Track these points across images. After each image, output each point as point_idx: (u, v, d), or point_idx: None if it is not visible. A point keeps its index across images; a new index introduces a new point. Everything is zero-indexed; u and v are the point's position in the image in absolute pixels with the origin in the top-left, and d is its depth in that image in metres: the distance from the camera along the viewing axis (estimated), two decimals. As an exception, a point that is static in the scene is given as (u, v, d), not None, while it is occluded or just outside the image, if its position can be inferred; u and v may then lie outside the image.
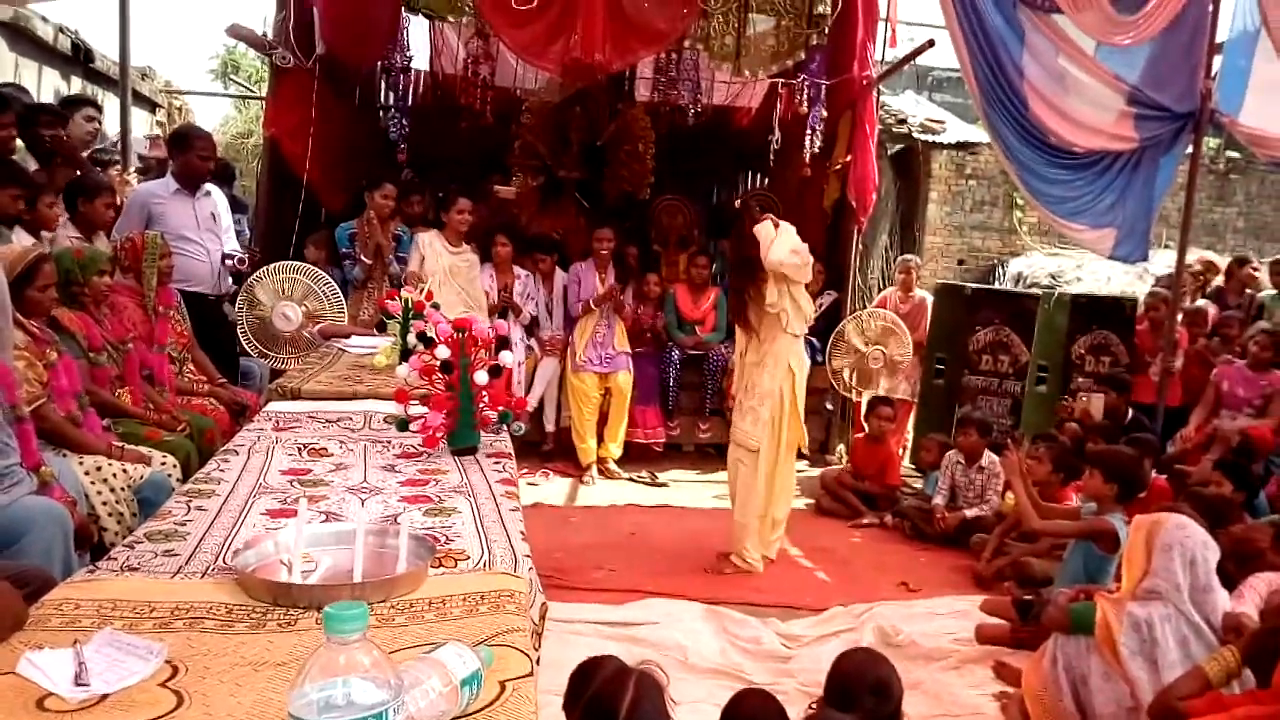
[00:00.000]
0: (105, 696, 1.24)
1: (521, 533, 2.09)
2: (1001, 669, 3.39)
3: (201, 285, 4.83)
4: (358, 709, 0.93)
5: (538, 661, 1.75)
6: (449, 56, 7.43)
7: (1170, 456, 5.07)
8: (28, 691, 1.25)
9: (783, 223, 4.36)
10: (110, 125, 6.61)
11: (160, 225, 4.67)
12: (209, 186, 5.01)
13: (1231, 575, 3.01)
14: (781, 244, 4.23)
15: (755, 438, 4.34)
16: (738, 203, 4.66)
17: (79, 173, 4.67)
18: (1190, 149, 5.71)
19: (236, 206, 6.38)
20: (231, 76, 16.25)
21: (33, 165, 4.60)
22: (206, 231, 4.88)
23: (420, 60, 7.51)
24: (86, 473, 3.09)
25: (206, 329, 4.72)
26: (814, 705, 2.02)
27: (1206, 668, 2.44)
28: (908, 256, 7.44)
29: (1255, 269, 6.84)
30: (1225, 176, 10.85)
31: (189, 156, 4.81)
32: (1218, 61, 5.58)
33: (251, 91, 13.81)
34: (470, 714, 1.24)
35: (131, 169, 6.31)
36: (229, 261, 4.99)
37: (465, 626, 1.53)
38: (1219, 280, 7.07)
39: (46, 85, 7.34)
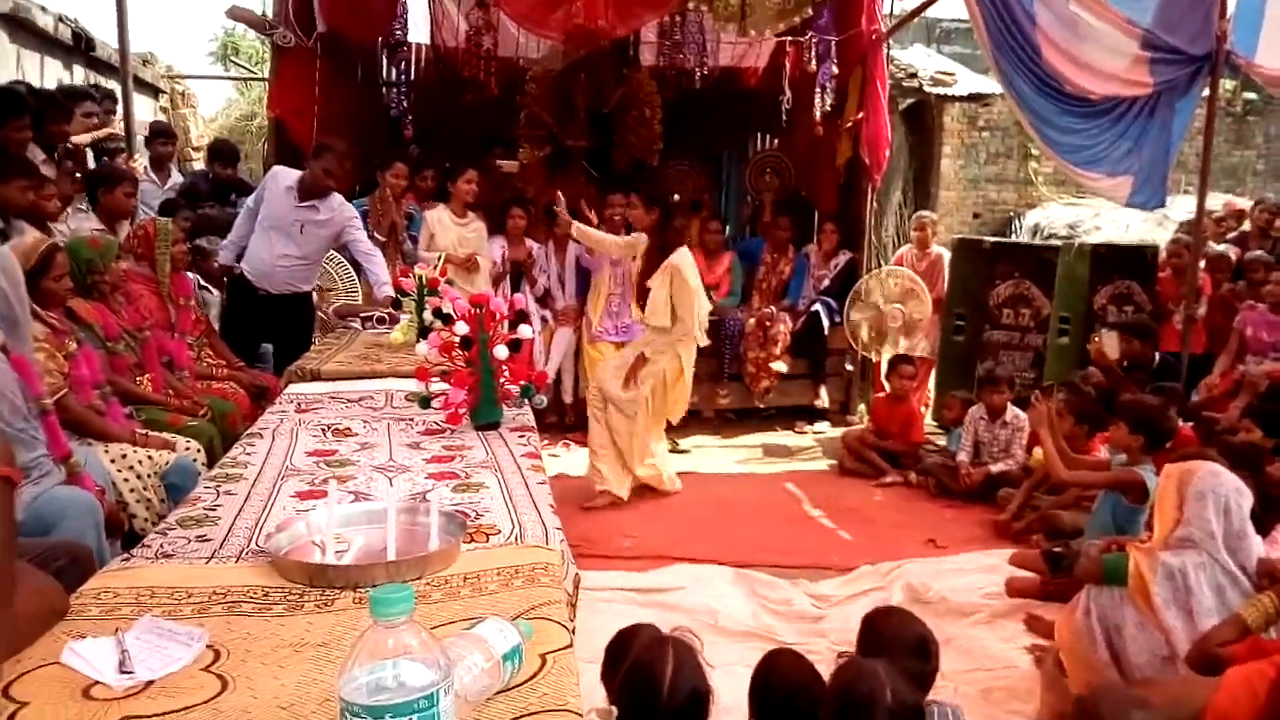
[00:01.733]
0: (150, 683, 1.25)
1: (551, 505, 2.09)
2: (1033, 622, 3.38)
3: (253, 276, 4.70)
4: (409, 690, 0.92)
5: (573, 632, 1.76)
6: (450, 29, 7.35)
7: (1197, 404, 5.01)
8: (73, 681, 1.25)
9: (686, 261, 4.63)
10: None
11: (263, 206, 4.67)
12: (326, 207, 4.65)
13: (1264, 521, 2.99)
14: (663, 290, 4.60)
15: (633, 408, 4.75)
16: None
17: (81, 169, 4.65)
18: (1207, 92, 5.60)
19: (243, 189, 6.36)
20: (232, 59, 16.18)
21: (39, 156, 4.59)
22: (283, 237, 4.63)
23: (421, 34, 7.43)
24: (112, 461, 3.11)
25: (265, 319, 4.77)
26: (842, 655, 2.02)
27: (1245, 613, 2.42)
28: (923, 213, 7.36)
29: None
30: (1243, 119, 10.66)
31: (312, 163, 4.65)
32: (1232, 2, 5.46)
33: (253, 73, 13.74)
34: (513, 687, 1.24)
35: (139, 156, 6.31)
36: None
37: (501, 601, 1.53)
38: (1246, 225, 6.95)
39: (49, 76, 7.32)
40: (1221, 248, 6.27)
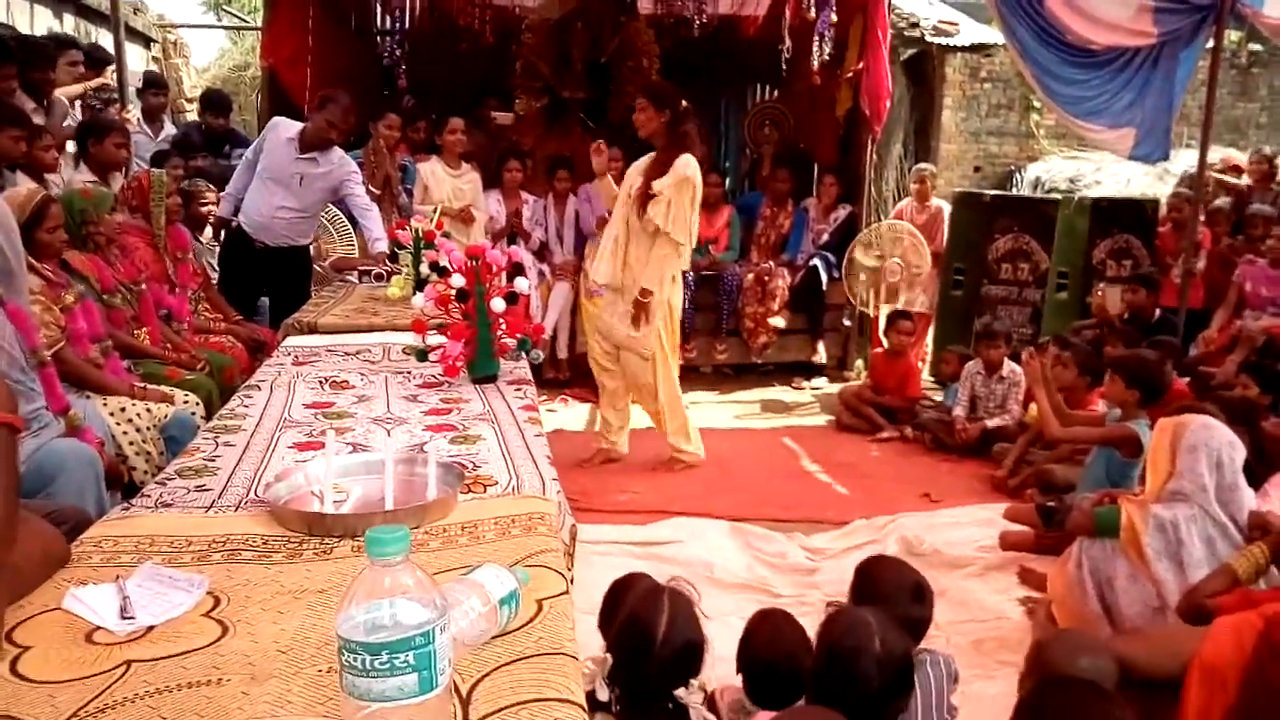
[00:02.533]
0: (151, 628, 1.26)
1: (548, 457, 2.10)
2: (1026, 574, 3.42)
3: (249, 227, 4.68)
4: (405, 628, 0.93)
5: (570, 581, 1.78)
6: (446, -23, 7.24)
7: (1193, 359, 5.03)
8: (76, 626, 1.27)
9: (697, 173, 4.27)
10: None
11: (263, 157, 4.63)
12: (326, 158, 4.64)
13: (1257, 474, 3.01)
14: (678, 198, 4.21)
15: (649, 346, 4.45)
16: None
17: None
18: (1211, 43, 5.53)
19: (236, 140, 6.30)
20: (225, 7, 15.94)
21: (28, 105, 4.54)
22: (282, 189, 4.61)
23: (416, -18, 7.32)
24: (111, 414, 3.11)
25: (262, 270, 4.72)
26: (831, 604, 2.04)
27: (1235, 564, 2.45)
28: (923, 166, 7.31)
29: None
30: (1248, 71, 10.54)
31: (315, 114, 4.64)
32: (1240, -52, 5.38)
33: (246, 22, 13.55)
34: (510, 632, 1.25)
35: (131, 107, 6.23)
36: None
37: (499, 549, 1.55)
38: (1245, 180, 6.91)
39: (39, 24, 7.21)
40: (1222, 201, 6.24)
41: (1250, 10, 5.47)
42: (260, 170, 4.64)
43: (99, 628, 1.26)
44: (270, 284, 4.82)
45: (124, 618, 1.27)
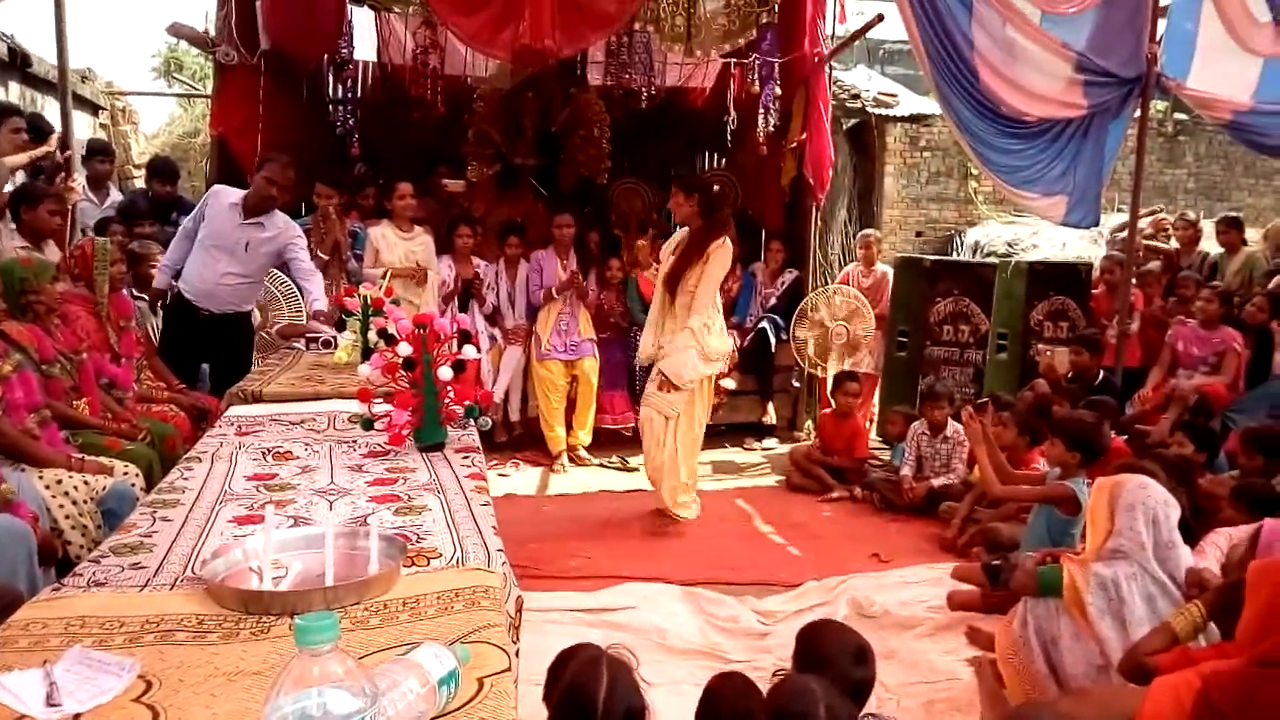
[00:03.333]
0: (79, 716, 1.23)
1: (494, 527, 2.08)
2: (974, 634, 3.44)
3: (192, 295, 4.66)
4: (334, 719, 0.92)
5: (517, 653, 1.76)
6: (397, 47, 7.33)
7: (1130, 418, 5.15)
8: (0, 715, 1.23)
9: (728, 246, 4.54)
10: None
11: (204, 224, 4.63)
12: (272, 224, 4.67)
13: (1193, 531, 3.08)
14: (715, 272, 4.50)
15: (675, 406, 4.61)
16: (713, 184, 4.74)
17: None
18: (1138, 113, 5.78)
19: (183, 207, 6.26)
20: (175, 75, 15.93)
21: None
22: (227, 255, 4.62)
23: (367, 52, 7.41)
24: (47, 486, 3.04)
25: (203, 339, 4.69)
26: (778, 673, 2.04)
27: (1174, 623, 2.49)
28: (868, 231, 7.48)
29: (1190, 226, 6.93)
30: (1174, 138, 11.02)
31: (255, 175, 4.71)
32: (1163, 24, 5.65)
33: (196, 89, 13.54)
34: (449, 713, 1.24)
35: (77, 175, 6.18)
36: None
37: (441, 625, 1.53)
38: (1173, 243, 7.16)
39: (-16, 91, 7.16)
40: (1151, 265, 6.47)
41: (1174, 83, 5.74)
42: (202, 238, 4.62)
43: (24, 716, 1.22)
44: (212, 351, 4.76)
45: (50, 705, 1.23)
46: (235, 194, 4.64)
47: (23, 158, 4.80)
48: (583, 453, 6.11)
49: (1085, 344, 5.40)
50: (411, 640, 1.39)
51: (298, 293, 5.40)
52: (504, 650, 1.45)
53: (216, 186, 4.82)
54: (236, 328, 4.82)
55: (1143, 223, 6.67)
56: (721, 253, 4.48)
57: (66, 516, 3.03)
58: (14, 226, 4.34)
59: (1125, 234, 5.96)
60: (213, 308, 4.67)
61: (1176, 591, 2.73)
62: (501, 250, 6.25)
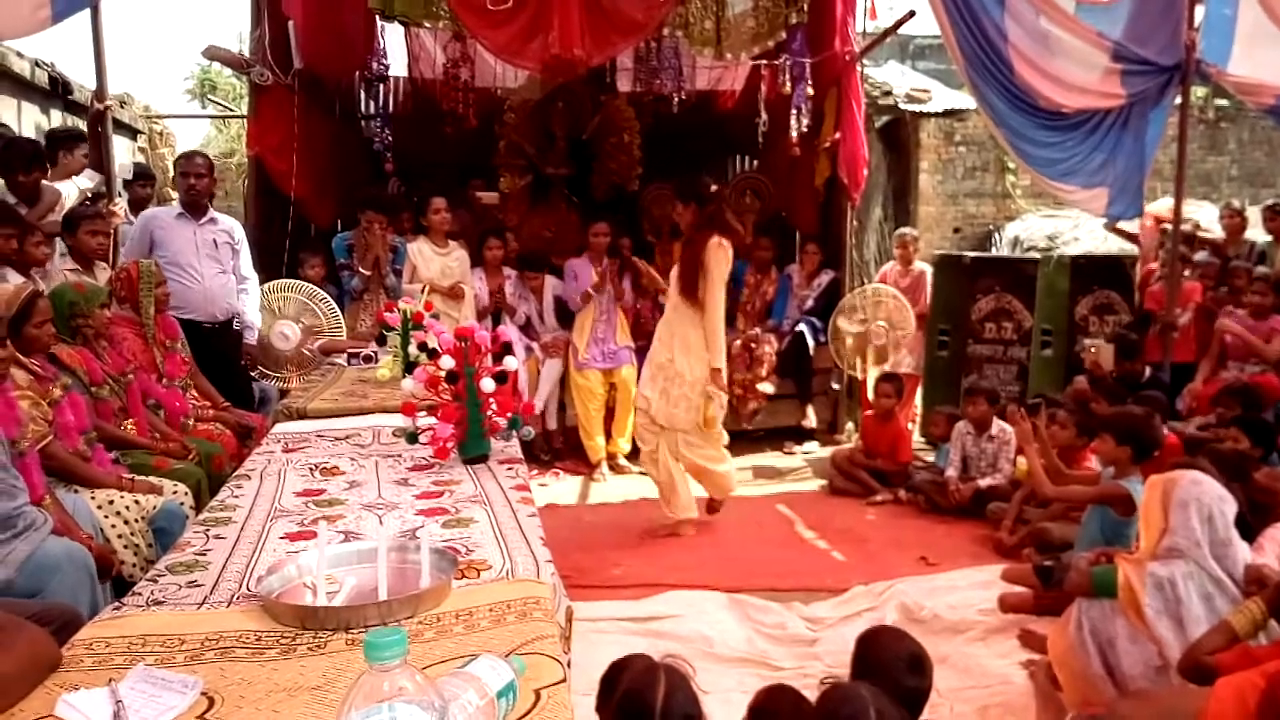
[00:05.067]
0: (144, 734, 1.24)
1: (541, 538, 2.09)
2: (1027, 637, 3.39)
3: (195, 313, 4.74)
4: (405, 733, 0.93)
5: (568, 664, 1.76)
6: (427, 62, 7.41)
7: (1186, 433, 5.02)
8: (66, 735, 1.25)
9: (724, 244, 4.49)
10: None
11: (160, 250, 4.70)
12: (221, 216, 4.99)
13: (1251, 527, 3.01)
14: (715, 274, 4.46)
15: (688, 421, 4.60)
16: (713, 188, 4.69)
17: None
18: (1179, 101, 5.68)
19: None
20: (209, 96, 16.18)
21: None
22: (206, 258, 4.82)
23: (399, 67, 7.49)
24: (99, 507, 3.08)
25: (209, 356, 4.65)
26: (825, 681, 2.02)
27: (1233, 621, 2.43)
28: (904, 230, 7.42)
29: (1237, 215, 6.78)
30: (1216, 125, 10.81)
31: (180, 180, 4.86)
32: (1200, 11, 5.56)
33: (231, 110, 13.76)
34: (508, 726, 1.24)
35: (119, 198, 6.29)
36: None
37: (494, 637, 1.53)
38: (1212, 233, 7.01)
39: (27, 121, 7.31)
40: (1201, 255, 6.34)
41: (1214, 69, 5.63)
42: (172, 260, 4.67)
43: (91, 735, 1.24)
44: (207, 365, 4.75)
45: (116, 723, 1.25)
46: (168, 210, 4.92)
47: (72, 188, 4.89)
48: (622, 461, 6.11)
49: (1123, 350, 5.31)
50: (466, 653, 1.39)
51: (338, 310, 5.46)
52: (558, 661, 1.45)
53: (143, 215, 5.06)
54: (232, 336, 5.02)
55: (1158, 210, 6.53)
56: (718, 254, 4.44)
57: (119, 536, 3.07)
58: (65, 251, 4.44)
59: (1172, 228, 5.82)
60: (218, 314, 4.87)
61: (1235, 589, 2.67)
62: (525, 281, 6.28)
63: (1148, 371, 5.28)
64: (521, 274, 6.27)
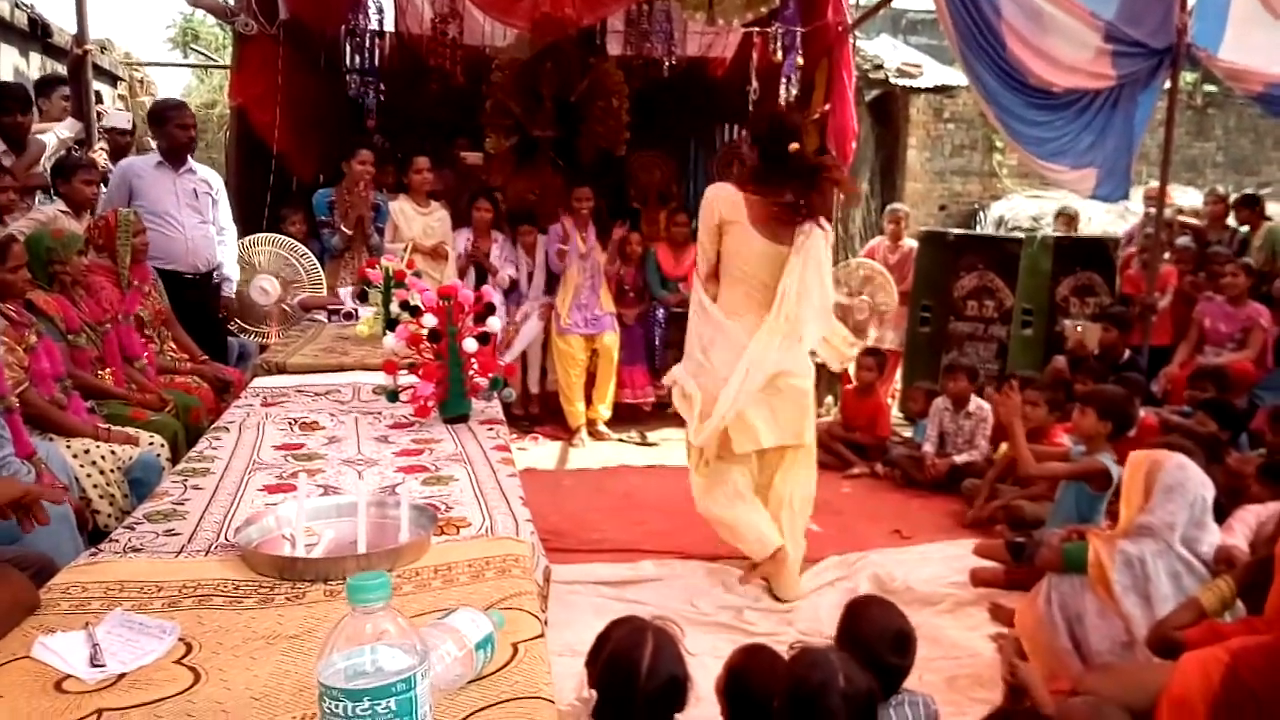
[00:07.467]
0: (122, 676, 1.24)
1: (521, 498, 2.09)
2: (997, 610, 3.43)
3: (176, 264, 4.69)
4: (386, 675, 0.93)
5: (545, 623, 1.77)
6: (415, 17, 7.28)
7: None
8: (45, 675, 1.25)
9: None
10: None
11: (140, 200, 4.62)
12: (199, 166, 4.94)
13: (1222, 508, 3.06)
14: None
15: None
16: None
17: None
18: (1168, 85, 5.69)
19: None
20: (191, 45, 15.90)
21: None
22: (186, 208, 4.75)
23: (386, 22, 7.36)
24: (75, 456, 3.06)
25: (187, 308, 4.61)
26: (794, 646, 2.05)
27: (1202, 598, 2.48)
28: (896, 206, 7.41)
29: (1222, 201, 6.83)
30: (1203, 111, 10.83)
31: (166, 129, 4.74)
32: (1192, -4, 5.56)
33: (213, 60, 13.52)
34: (485, 676, 1.25)
35: (98, 146, 6.19)
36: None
37: (473, 592, 1.54)
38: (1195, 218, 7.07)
39: (4, 63, 7.16)
40: (1183, 240, 6.39)
41: (1205, 54, 5.64)
42: (151, 209, 4.60)
43: (69, 676, 1.24)
44: (186, 316, 4.70)
45: (94, 665, 1.25)
46: (148, 159, 4.81)
47: (52, 138, 4.81)
48: (602, 427, 6.12)
49: (1114, 321, 5.34)
50: (445, 607, 1.39)
51: (319, 265, 5.41)
52: (536, 617, 1.46)
53: (121, 164, 4.95)
54: (212, 288, 4.97)
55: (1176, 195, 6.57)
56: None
57: (95, 485, 3.05)
58: (56, 199, 4.38)
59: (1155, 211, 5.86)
60: (200, 265, 4.80)
61: (1203, 569, 2.71)
62: (515, 236, 6.23)
63: (1127, 353, 5.32)
64: (516, 230, 6.22)
